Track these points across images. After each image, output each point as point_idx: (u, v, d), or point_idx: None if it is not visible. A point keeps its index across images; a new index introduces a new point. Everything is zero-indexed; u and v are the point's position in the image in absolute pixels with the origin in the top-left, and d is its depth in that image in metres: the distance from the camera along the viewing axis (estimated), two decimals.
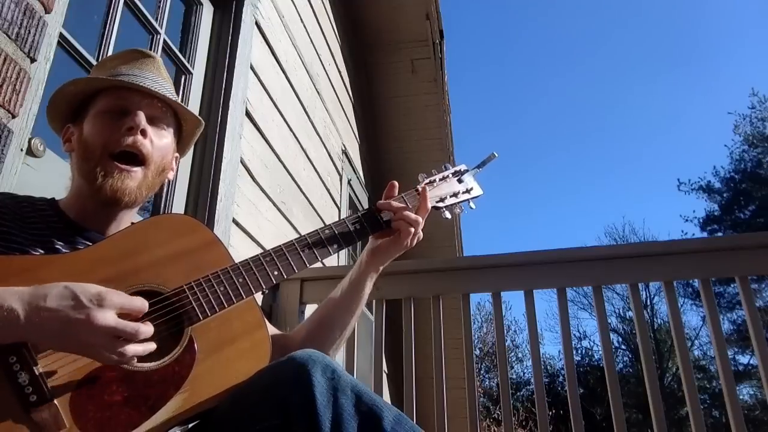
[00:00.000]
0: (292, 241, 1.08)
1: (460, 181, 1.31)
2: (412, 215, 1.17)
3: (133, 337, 0.81)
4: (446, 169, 1.32)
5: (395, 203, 1.19)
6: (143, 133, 1.03)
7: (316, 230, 1.11)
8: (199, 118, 1.17)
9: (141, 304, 0.84)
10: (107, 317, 0.79)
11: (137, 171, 1.03)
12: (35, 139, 1.37)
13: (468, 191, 1.31)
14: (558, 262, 1.96)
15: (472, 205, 1.33)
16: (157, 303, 0.91)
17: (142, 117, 1.03)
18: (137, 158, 1.03)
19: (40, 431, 0.78)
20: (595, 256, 1.99)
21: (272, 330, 1.19)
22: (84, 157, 1.03)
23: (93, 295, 0.79)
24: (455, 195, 1.29)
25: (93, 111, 1.05)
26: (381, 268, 1.23)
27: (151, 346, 0.85)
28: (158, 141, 1.07)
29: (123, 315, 0.81)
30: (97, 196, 1.01)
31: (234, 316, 0.98)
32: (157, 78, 1.10)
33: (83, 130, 1.05)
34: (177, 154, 1.17)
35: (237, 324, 0.99)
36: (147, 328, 0.83)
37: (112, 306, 0.80)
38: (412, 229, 1.17)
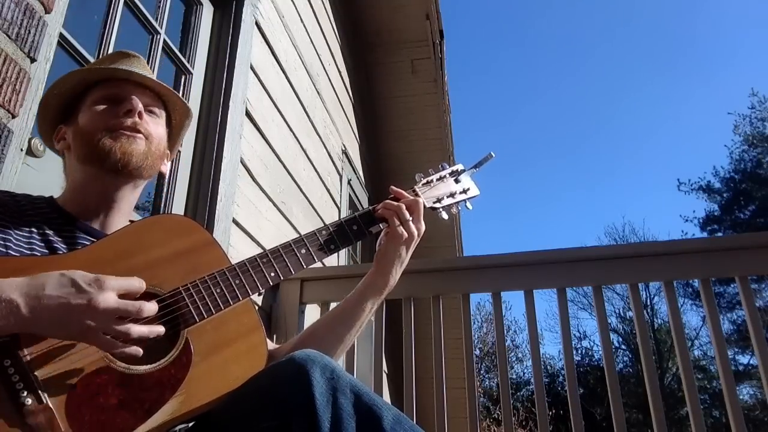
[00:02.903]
0: (289, 242, 1.08)
1: (457, 181, 1.30)
2: (394, 203, 1.16)
3: (137, 315, 0.81)
4: (443, 169, 1.31)
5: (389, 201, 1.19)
6: (140, 115, 1.06)
7: (313, 231, 1.11)
8: (188, 106, 1.19)
9: (138, 283, 0.84)
10: (108, 299, 0.79)
11: (143, 138, 1.05)
12: (35, 139, 1.37)
13: (465, 191, 1.29)
14: (558, 262, 1.96)
15: (468, 205, 1.31)
16: None
17: (138, 101, 1.06)
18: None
19: None
20: (595, 256, 1.99)
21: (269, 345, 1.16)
22: (84, 142, 1.04)
23: (91, 279, 0.80)
24: (452, 195, 1.28)
25: (86, 104, 1.07)
26: (385, 291, 1.18)
27: (159, 329, 0.85)
28: (154, 127, 1.10)
29: (123, 297, 0.81)
30: (103, 167, 1.02)
31: (230, 319, 0.97)
32: (145, 72, 1.12)
33: (78, 123, 1.06)
34: (168, 152, 1.18)
35: (233, 326, 0.98)
36: (151, 306, 0.83)
37: (112, 288, 0.80)
38: (397, 220, 1.15)
